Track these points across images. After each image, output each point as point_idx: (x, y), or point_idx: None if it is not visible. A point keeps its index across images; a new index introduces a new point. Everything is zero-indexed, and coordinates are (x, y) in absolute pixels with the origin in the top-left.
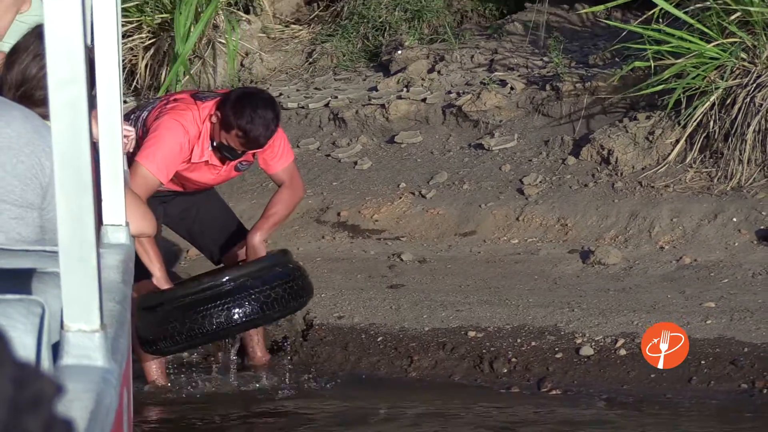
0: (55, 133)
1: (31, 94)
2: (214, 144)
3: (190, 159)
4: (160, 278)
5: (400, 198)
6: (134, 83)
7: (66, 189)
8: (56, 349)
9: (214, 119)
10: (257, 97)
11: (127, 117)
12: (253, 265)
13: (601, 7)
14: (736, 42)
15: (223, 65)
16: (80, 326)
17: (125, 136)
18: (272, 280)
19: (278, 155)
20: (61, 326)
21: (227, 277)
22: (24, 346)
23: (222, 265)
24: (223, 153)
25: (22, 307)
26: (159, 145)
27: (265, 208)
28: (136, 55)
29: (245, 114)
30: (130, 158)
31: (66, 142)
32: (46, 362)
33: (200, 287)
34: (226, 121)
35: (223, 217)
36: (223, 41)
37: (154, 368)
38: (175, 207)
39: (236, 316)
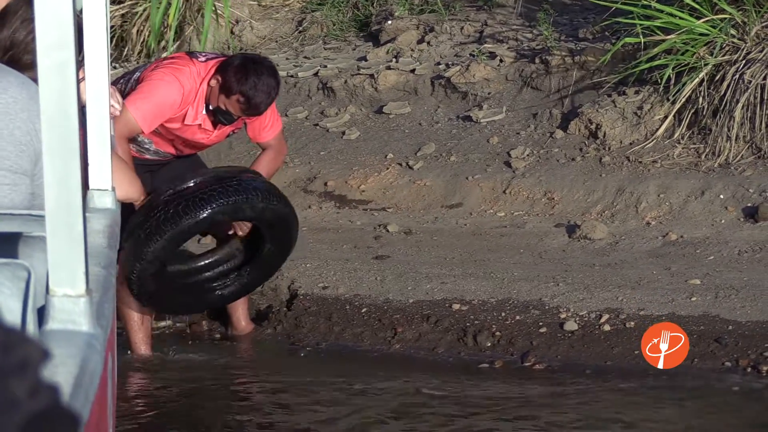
0: (42, 98)
1: (19, 58)
2: (210, 108)
3: (183, 120)
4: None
5: (388, 169)
6: (126, 51)
7: (53, 153)
8: (41, 314)
9: (213, 83)
10: (261, 64)
11: (117, 81)
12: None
13: None
14: (725, 18)
15: (212, 32)
16: (66, 291)
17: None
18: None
19: (268, 125)
20: (47, 291)
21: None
22: (9, 311)
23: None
24: (219, 118)
25: (8, 271)
26: (150, 95)
27: (252, 165)
28: (127, 21)
29: (249, 80)
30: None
31: (54, 106)
32: (31, 327)
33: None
34: (228, 86)
35: (186, 161)
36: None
37: (139, 337)
38: (162, 176)
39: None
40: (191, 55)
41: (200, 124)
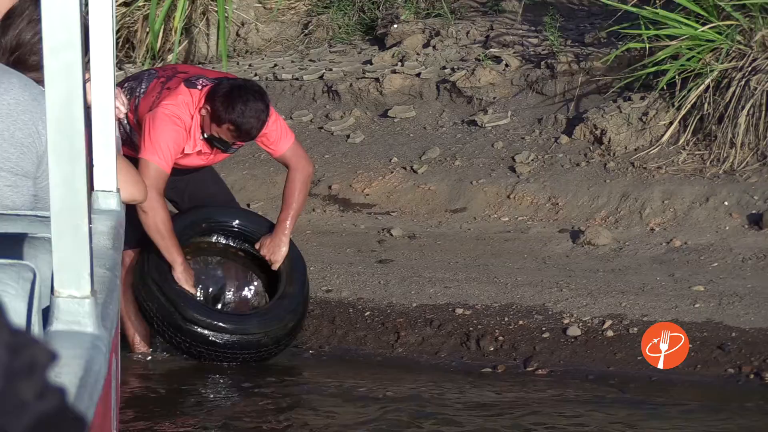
0: (49, 99)
1: (25, 59)
2: (205, 135)
3: (183, 150)
4: (180, 274)
5: (392, 173)
6: (133, 52)
7: (59, 154)
8: (46, 315)
9: (203, 112)
10: (247, 90)
11: (120, 85)
12: (269, 321)
13: None
14: (732, 24)
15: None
16: (71, 292)
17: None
18: (280, 339)
19: (276, 139)
20: (52, 292)
21: (240, 327)
22: (15, 312)
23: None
24: (215, 145)
25: (14, 272)
26: (159, 138)
27: (283, 198)
28: (135, 21)
29: (236, 108)
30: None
31: (60, 107)
32: (36, 328)
33: (217, 325)
34: (217, 115)
35: (214, 189)
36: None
37: (139, 338)
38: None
39: (229, 362)
40: (188, 83)
41: (199, 150)
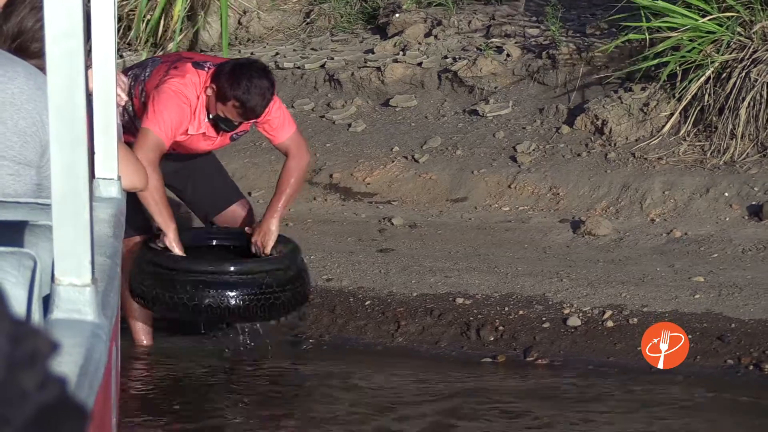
0: (50, 86)
1: (27, 47)
2: (211, 116)
3: (187, 130)
4: (172, 240)
5: (393, 162)
6: (131, 37)
7: (60, 142)
8: (46, 303)
9: (209, 92)
10: (251, 67)
11: (124, 72)
12: (270, 263)
13: None
14: (732, 16)
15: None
16: (71, 280)
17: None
18: (283, 283)
19: (278, 126)
20: (52, 280)
21: (241, 268)
22: (15, 300)
23: (215, 226)
24: (220, 125)
25: (14, 260)
26: (163, 110)
27: (277, 185)
28: (133, 12)
29: (241, 84)
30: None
31: (62, 95)
32: (36, 316)
33: (213, 270)
34: (222, 93)
35: (216, 177)
36: None
37: (140, 326)
38: (169, 164)
39: (236, 310)
40: (196, 65)
41: (204, 132)
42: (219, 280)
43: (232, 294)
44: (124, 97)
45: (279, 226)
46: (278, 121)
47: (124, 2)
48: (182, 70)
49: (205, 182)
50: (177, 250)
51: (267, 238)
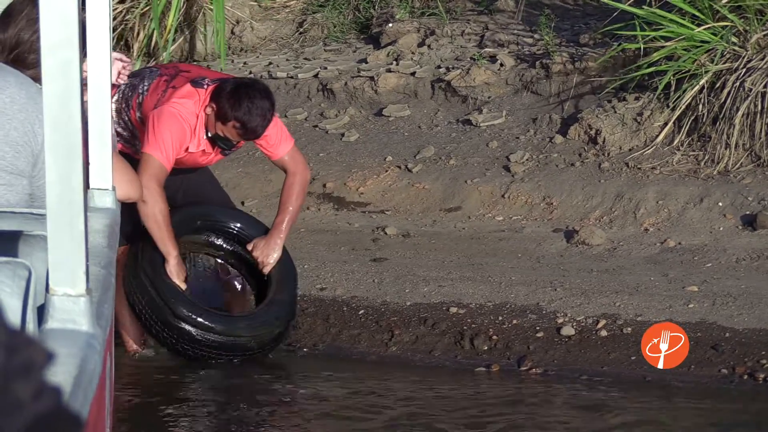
0: (46, 97)
1: (24, 58)
2: (209, 135)
3: (187, 149)
4: (172, 267)
5: (386, 171)
6: (130, 49)
7: (55, 152)
8: (41, 313)
9: (209, 111)
10: (253, 88)
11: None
12: (259, 324)
13: None
14: (727, 26)
15: (212, 33)
16: (66, 290)
17: (121, 68)
18: (266, 343)
19: (276, 142)
20: (47, 290)
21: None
22: (10, 310)
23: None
24: (219, 143)
25: (9, 270)
26: (164, 133)
27: (280, 203)
28: (127, 20)
29: (243, 105)
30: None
31: (57, 105)
32: (31, 326)
33: (206, 324)
34: (223, 114)
35: (208, 187)
36: (213, 8)
37: (132, 334)
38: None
39: (216, 358)
40: (194, 83)
41: (204, 150)
42: (205, 337)
43: (211, 353)
44: (125, 74)
45: (282, 246)
46: (276, 137)
47: (119, 11)
48: (181, 90)
49: (195, 191)
50: (177, 280)
51: (269, 257)
